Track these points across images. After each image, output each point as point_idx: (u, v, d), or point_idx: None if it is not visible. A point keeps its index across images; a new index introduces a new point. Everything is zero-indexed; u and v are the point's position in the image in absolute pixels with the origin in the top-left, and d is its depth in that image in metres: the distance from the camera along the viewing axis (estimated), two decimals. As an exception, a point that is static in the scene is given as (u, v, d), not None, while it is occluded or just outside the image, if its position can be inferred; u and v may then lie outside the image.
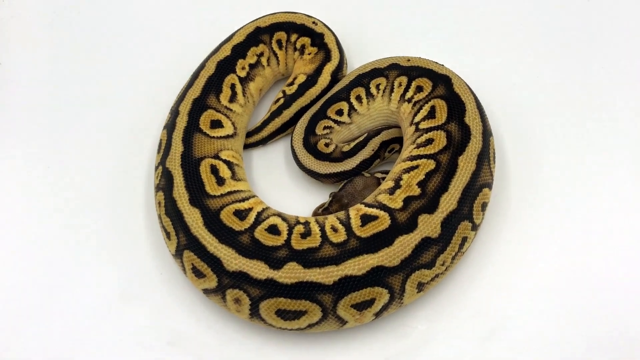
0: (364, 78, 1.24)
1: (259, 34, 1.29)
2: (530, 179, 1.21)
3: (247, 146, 1.28)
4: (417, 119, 1.16)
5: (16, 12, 1.49)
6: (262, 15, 1.33)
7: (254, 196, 1.12)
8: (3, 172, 1.26)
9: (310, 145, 1.21)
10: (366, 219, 1.03)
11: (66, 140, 1.31)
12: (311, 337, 1.06)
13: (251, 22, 1.32)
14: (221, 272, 0.99)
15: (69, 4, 1.49)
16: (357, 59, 1.34)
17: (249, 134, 1.28)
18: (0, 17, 1.48)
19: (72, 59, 1.42)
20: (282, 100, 1.27)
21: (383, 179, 1.17)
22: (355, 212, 1.06)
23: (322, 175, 1.20)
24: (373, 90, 1.23)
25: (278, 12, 1.33)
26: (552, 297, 1.09)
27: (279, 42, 1.31)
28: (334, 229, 1.03)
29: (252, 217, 1.06)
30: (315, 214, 1.15)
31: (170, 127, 1.18)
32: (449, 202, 1.03)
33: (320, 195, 1.22)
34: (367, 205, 1.06)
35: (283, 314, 0.98)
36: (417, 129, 1.15)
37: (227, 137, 1.19)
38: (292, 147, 1.22)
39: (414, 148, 1.12)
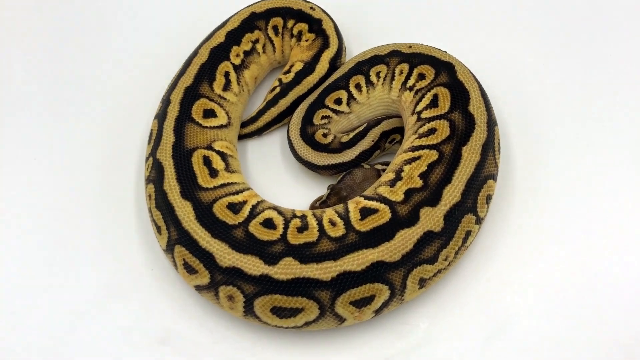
0: (364, 65, 1.21)
1: (254, 20, 1.26)
2: (536, 170, 1.18)
3: (241, 137, 1.25)
4: (419, 108, 1.13)
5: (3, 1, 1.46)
6: (257, 1, 1.30)
7: (248, 189, 1.09)
8: (-13, 164, 1.25)
9: (307, 136, 1.18)
10: (366, 212, 1.00)
11: (53, 131, 1.28)
12: (308, 335, 1.05)
13: (246, 7, 1.29)
14: (214, 267, 0.97)
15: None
16: (357, 46, 1.31)
17: (243, 124, 1.25)
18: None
19: (59, 46, 1.40)
20: (278, 89, 1.24)
21: (383, 170, 1.14)
22: (354, 205, 1.03)
23: (319, 167, 1.17)
24: (373, 78, 1.20)
25: (274, -3, 1.30)
26: (559, 293, 1.07)
27: (275, 28, 1.28)
28: (332, 223, 1.00)
29: (246, 210, 1.03)
30: (312, 207, 1.13)
31: (161, 116, 1.15)
32: (452, 194, 1.00)
33: (317, 188, 1.19)
34: (367, 198, 1.04)
35: (279, 312, 0.96)
36: (419, 119, 1.12)
37: (221, 127, 1.16)
38: (288, 137, 1.20)
39: (416, 138, 1.09)
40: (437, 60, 1.16)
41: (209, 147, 1.11)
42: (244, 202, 1.04)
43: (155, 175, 1.07)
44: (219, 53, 1.21)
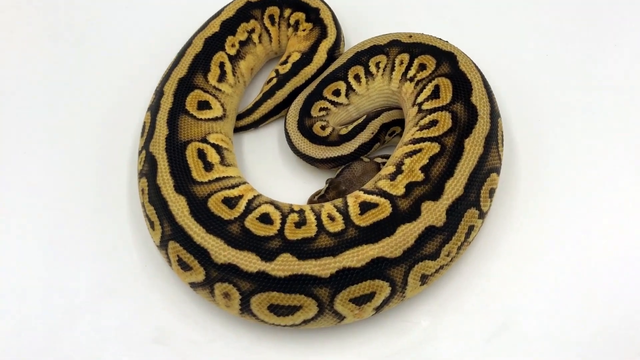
0: (363, 56, 1.18)
1: (249, 9, 1.24)
2: (540, 163, 1.16)
3: (237, 129, 1.23)
4: (420, 99, 1.11)
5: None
6: (253, -11, 1.27)
7: (244, 183, 1.07)
8: (-24, 158, 1.23)
9: (305, 128, 1.15)
10: (365, 207, 0.98)
11: (43, 124, 1.26)
12: (306, 333, 1.03)
13: (241, -4, 1.27)
14: (209, 264, 0.95)
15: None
16: (355, 36, 1.29)
17: (239, 117, 1.23)
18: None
19: (51, 39, 1.38)
20: (275, 80, 1.22)
21: (383, 164, 1.12)
22: (353, 200, 1.01)
23: (318, 160, 1.14)
24: (372, 68, 1.18)
25: (270, -14, 1.28)
26: (562, 290, 1.05)
27: (271, 17, 1.25)
28: (331, 218, 0.98)
29: (242, 205, 1.01)
30: (310, 201, 1.10)
31: (154, 108, 1.13)
32: (454, 188, 0.98)
33: (316, 182, 1.17)
34: (367, 192, 1.02)
35: (276, 309, 0.94)
36: (420, 110, 1.09)
37: (216, 119, 1.14)
38: (285, 130, 1.17)
39: (417, 130, 1.06)
40: (438, 50, 1.14)
41: (204, 140, 1.09)
42: (240, 197, 1.02)
43: (148, 169, 1.05)
44: (214, 43, 1.19)
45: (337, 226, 0.96)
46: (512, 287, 1.05)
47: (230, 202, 1.00)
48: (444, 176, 0.98)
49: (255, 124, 1.23)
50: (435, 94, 1.08)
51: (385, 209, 0.97)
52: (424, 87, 1.11)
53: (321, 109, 1.18)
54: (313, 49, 1.22)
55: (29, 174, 1.20)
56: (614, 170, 1.15)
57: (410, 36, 1.17)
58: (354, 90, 1.18)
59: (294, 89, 1.21)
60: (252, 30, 1.23)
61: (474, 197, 0.99)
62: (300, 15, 1.24)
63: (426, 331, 1.02)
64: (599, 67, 1.27)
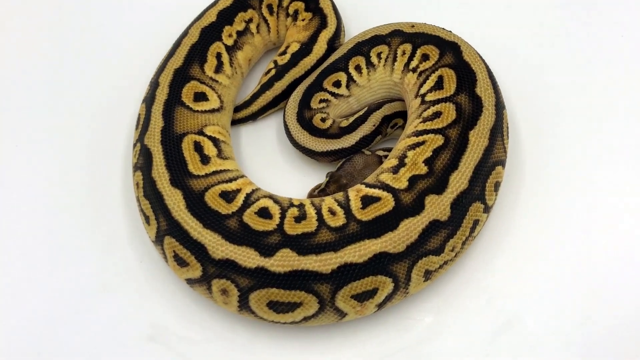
0: (364, 46, 1.16)
1: (247, -2, 1.22)
2: (545, 156, 1.14)
3: (235, 122, 1.21)
4: (423, 91, 1.09)
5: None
6: (250, -22, 1.26)
7: (242, 176, 1.05)
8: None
9: (304, 121, 1.13)
10: (367, 201, 0.96)
11: (35, 116, 1.24)
12: (306, 331, 1.01)
13: (239, -16, 1.24)
14: (206, 260, 0.93)
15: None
16: (356, 26, 1.27)
17: (237, 109, 1.21)
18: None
19: (43, 28, 1.36)
20: (273, 71, 1.20)
21: (385, 157, 1.10)
22: (355, 194, 0.99)
23: (318, 154, 1.12)
24: (374, 59, 1.15)
25: (268, -25, 1.26)
26: (569, 286, 1.03)
27: (269, 6, 1.23)
28: (332, 212, 0.96)
29: (240, 199, 0.99)
30: (310, 196, 1.09)
31: (149, 100, 1.11)
32: (459, 181, 0.96)
33: (316, 176, 1.15)
34: (369, 185, 1.00)
35: (275, 306, 0.93)
36: (423, 102, 1.07)
37: (213, 111, 1.12)
38: (284, 122, 1.15)
39: (420, 122, 1.04)
40: (441, 40, 1.11)
41: (200, 133, 1.07)
42: (238, 191, 1.00)
43: (143, 162, 1.03)
44: (211, 33, 1.17)
45: (338, 221, 0.94)
46: (517, 283, 1.03)
47: (227, 196, 0.98)
48: (448, 169, 0.96)
49: (253, 117, 1.21)
50: (438, 85, 1.06)
51: (387, 203, 0.95)
52: (427, 78, 1.09)
53: (321, 101, 1.15)
54: (312, 39, 1.20)
55: (20, 167, 1.18)
56: (622, 163, 1.13)
57: (413, 26, 1.15)
58: (354, 81, 1.16)
59: (293, 80, 1.19)
60: (250, 20, 1.21)
61: (479, 191, 0.97)
62: (299, 5, 1.22)
63: (429, 328, 1.00)
64: (605, 58, 1.25)
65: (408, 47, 1.13)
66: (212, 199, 0.97)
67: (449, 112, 1.02)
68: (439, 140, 0.99)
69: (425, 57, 1.10)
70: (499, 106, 1.04)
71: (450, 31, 1.14)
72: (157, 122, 1.06)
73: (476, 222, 0.98)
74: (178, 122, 1.06)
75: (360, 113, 1.14)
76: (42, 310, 1.04)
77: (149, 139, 1.04)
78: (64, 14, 1.36)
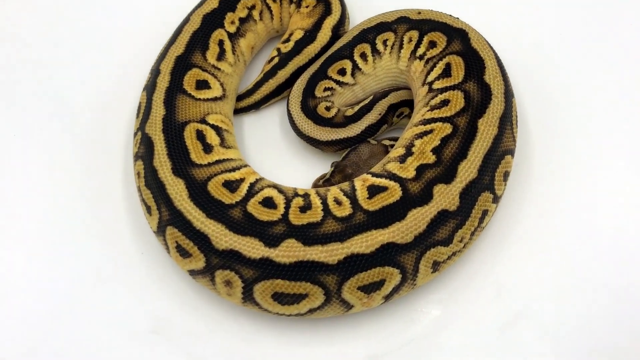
0: (369, 33, 1.14)
1: (250, -16, 1.21)
2: (554, 145, 1.13)
3: (237, 111, 1.19)
4: (430, 78, 1.07)
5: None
6: (253, -36, 1.24)
7: (245, 166, 1.04)
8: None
9: (309, 109, 1.12)
10: (374, 191, 0.95)
11: (34, 106, 1.23)
12: (312, 323, 1.00)
13: (241, -29, 1.23)
14: (209, 250, 0.92)
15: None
16: (360, 13, 1.25)
17: (239, 98, 1.19)
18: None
19: (42, 16, 1.33)
20: (276, 60, 1.18)
21: (391, 146, 1.09)
22: (361, 183, 0.97)
23: (322, 143, 1.11)
24: (380, 46, 1.13)
25: (271, -39, 1.24)
26: (581, 277, 1.01)
27: None
28: (338, 202, 0.95)
29: (244, 188, 0.97)
30: (315, 186, 1.07)
31: (150, 88, 1.09)
32: (468, 170, 0.94)
33: (320, 166, 1.14)
34: (375, 175, 0.98)
35: (280, 298, 0.91)
36: (430, 90, 1.06)
37: (215, 99, 1.10)
38: (288, 111, 1.13)
39: (428, 111, 1.03)
40: (448, 27, 1.10)
41: (203, 121, 1.05)
42: (242, 180, 0.99)
43: (145, 151, 1.02)
44: (213, 20, 1.15)
45: (345, 210, 0.93)
46: (527, 275, 1.02)
47: (231, 186, 0.97)
48: (457, 158, 0.95)
49: (256, 105, 1.19)
50: (446, 73, 1.05)
51: (395, 193, 0.93)
52: (434, 66, 1.07)
53: (326, 89, 1.14)
54: (317, 26, 1.18)
55: (19, 158, 1.17)
56: (632, 152, 1.11)
57: (419, 12, 1.13)
58: (360, 69, 1.14)
59: (297, 68, 1.17)
60: (253, 7, 1.19)
61: (488, 180, 0.96)
62: (303, -9, 1.21)
63: (437, 321, 0.99)
64: (614, 46, 1.23)
65: (415, 34, 1.11)
66: (215, 188, 0.96)
67: (457, 100, 1.00)
68: (447, 128, 0.98)
69: (432, 44, 1.09)
70: (508, 94, 1.03)
71: (458, 18, 1.12)
72: (158, 110, 1.04)
73: (485, 213, 0.97)
74: (180, 110, 1.04)
75: (366, 102, 1.12)
76: (42, 303, 1.03)
77: (150, 127, 1.03)
78: (65, 3, 1.34)
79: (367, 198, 0.93)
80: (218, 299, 1.01)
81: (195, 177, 0.97)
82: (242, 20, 1.18)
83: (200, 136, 1.02)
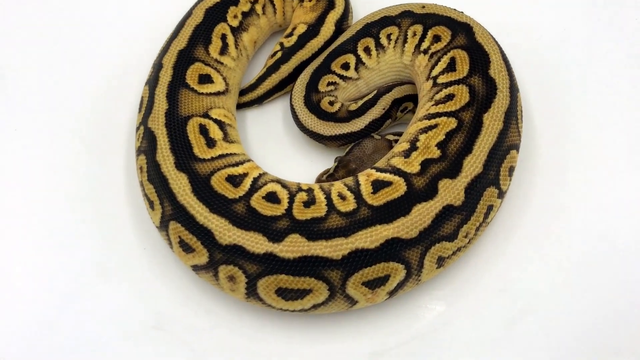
0: (373, 27, 1.14)
1: (252, -22, 1.20)
2: (559, 140, 1.12)
3: (240, 106, 1.18)
4: (434, 73, 1.06)
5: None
6: (256, -42, 1.23)
7: (249, 160, 1.03)
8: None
9: (312, 104, 1.11)
10: (378, 185, 0.94)
11: (35, 100, 1.22)
12: (316, 319, 0.99)
13: (243, -36, 1.22)
14: (213, 245, 0.91)
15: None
16: (364, 7, 1.24)
17: (242, 92, 1.18)
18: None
19: (44, 10, 1.32)
20: (279, 54, 1.18)
21: (395, 141, 1.08)
22: (365, 178, 0.97)
23: (326, 138, 1.10)
24: (383, 40, 1.13)
25: (274, -45, 1.23)
26: (586, 272, 1.01)
27: None
28: (342, 197, 0.94)
29: (247, 183, 0.97)
30: (318, 181, 1.07)
31: (152, 82, 1.08)
32: (473, 165, 0.93)
33: (324, 161, 1.13)
34: (379, 170, 0.98)
35: (284, 293, 0.91)
36: (435, 84, 1.05)
37: (218, 93, 1.09)
38: (291, 106, 1.13)
39: (432, 105, 1.02)
40: (453, 21, 1.09)
41: (206, 115, 1.05)
42: (245, 175, 0.98)
43: (147, 146, 1.01)
44: (215, 14, 1.15)
45: (349, 205, 0.92)
46: (532, 270, 1.01)
47: (234, 180, 0.96)
48: (462, 153, 0.94)
49: (259, 100, 1.18)
50: (451, 67, 1.04)
51: (399, 188, 0.92)
52: (439, 60, 1.06)
53: (329, 84, 1.13)
54: (320, 20, 1.17)
55: (20, 152, 1.16)
56: (637, 146, 1.10)
57: (423, 6, 1.12)
58: (363, 63, 1.13)
59: (300, 62, 1.17)
60: (255, 1, 1.19)
61: (493, 175, 0.95)
62: (307, -15, 1.20)
63: (442, 317, 0.99)
64: (619, 41, 1.22)
65: (419, 28, 1.10)
66: (218, 183, 0.95)
67: (462, 95, 0.99)
68: (452, 123, 0.97)
69: (436, 39, 1.08)
70: (513, 89, 1.02)
71: (462, 12, 1.11)
72: (161, 104, 1.03)
73: (490, 208, 0.96)
74: (183, 104, 1.04)
75: (370, 96, 1.12)
76: (45, 298, 1.02)
77: (153, 121, 1.02)
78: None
79: (372, 193, 0.93)
80: (221, 295, 1.00)
81: (198, 171, 0.96)
82: (245, 15, 1.17)
83: (203, 130, 1.02)
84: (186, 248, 0.94)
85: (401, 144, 1.00)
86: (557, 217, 1.05)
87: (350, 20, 1.21)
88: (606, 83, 1.17)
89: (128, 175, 1.11)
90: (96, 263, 1.04)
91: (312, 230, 0.89)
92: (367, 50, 1.13)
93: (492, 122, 0.96)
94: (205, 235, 0.91)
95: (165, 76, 1.06)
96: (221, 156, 1.00)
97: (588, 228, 1.04)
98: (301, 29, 1.17)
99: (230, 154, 1.01)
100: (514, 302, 0.98)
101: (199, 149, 0.99)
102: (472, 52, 1.04)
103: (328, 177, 1.05)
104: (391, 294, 0.93)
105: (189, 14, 1.15)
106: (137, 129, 1.06)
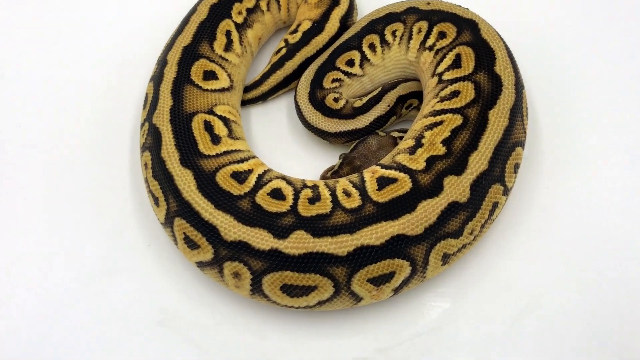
0: (378, 24, 1.13)
1: (257, -25, 1.19)
2: (564, 137, 1.12)
3: (244, 102, 1.18)
4: (440, 69, 1.06)
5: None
6: (260, -46, 1.22)
7: (253, 157, 1.03)
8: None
9: (317, 101, 1.10)
10: (383, 182, 0.93)
11: (40, 96, 1.21)
12: (320, 316, 0.99)
13: (248, -39, 1.21)
14: (218, 242, 0.91)
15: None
16: (368, 4, 1.24)
17: (246, 89, 1.18)
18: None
19: (48, 5, 1.32)
20: (284, 51, 1.17)
21: (400, 138, 1.08)
22: (370, 175, 0.96)
23: (330, 134, 1.09)
24: (388, 37, 1.12)
25: (279, -49, 1.23)
26: (591, 269, 1.00)
27: None
28: (347, 194, 0.94)
29: (252, 179, 0.96)
30: (323, 177, 1.06)
31: (157, 78, 1.08)
32: (479, 161, 0.93)
33: (328, 157, 1.13)
34: (384, 166, 0.97)
35: (289, 290, 0.90)
36: (440, 81, 1.04)
37: (223, 90, 1.09)
38: (296, 102, 1.12)
39: (437, 102, 1.02)
40: (458, 18, 1.08)
41: (211, 112, 1.04)
42: (250, 171, 0.98)
43: (152, 142, 1.00)
44: (220, 10, 1.14)
45: (354, 202, 0.91)
46: (537, 267, 1.01)
47: (239, 177, 0.96)
48: (468, 149, 0.93)
49: (264, 97, 1.18)
50: (456, 64, 1.03)
51: (404, 184, 0.92)
52: (444, 56, 1.06)
53: (334, 80, 1.12)
54: (325, 17, 1.17)
55: (24, 149, 1.15)
56: (642, 145, 1.10)
57: (429, 3, 1.12)
58: (368, 60, 1.13)
59: (305, 59, 1.16)
60: (260, -2, 1.18)
61: (498, 172, 0.94)
62: (311, -18, 1.19)
63: (447, 314, 0.98)
64: (624, 38, 1.22)
65: (424, 24, 1.09)
66: (223, 179, 0.94)
67: (468, 91, 0.99)
68: (457, 120, 0.96)
69: (442, 35, 1.07)
70: (519, 86, 1.01)
71: (467, 8, 1.11)
72: (166, 100, 1.03)
73: (495, 205, 0.95)
74: (187, 101, 1.03)
75: (374, 93, 1.11)
76: (50, 294, 1.02)
77: (158, 118, 1.02)
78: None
79: (377, 190, 0.92)
80: (225, 291, 1.00)
81: (203, 168, 0.95)
82: (250, 11, 1.16)
83: (208, 127, 1.01)
84: (191, 244, 0.93)
85: (406, 141, 0.99)
86: (562, 214, 1.04)
87: (355, 16, 1.21)
88: (611, 80, 1.17)
89: (132, 172, 1.11)
90: (101, 260, 1.04)
91: (317, 226, 0.89)
92: (372, 46, 1.12)
93: (498, 118, 0.96)
94: (210, 231, 0.90)
95: (170, 72, 1.06)
96: (226, 152, 0.99)
97: (593, 225, 1.03)
98: (306, 25, 1.17)
99: (235, 151, 1.01)
100: (518, 299, 0.98)
101: (204, 145, 0.98)
102: (477, 48, 1.03)
103: (333, 174, 1.05)
104: (396, 290, 0.92)
105: (193, 10, 1.15)
106: (142, 125, 1.06)
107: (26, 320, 1.00)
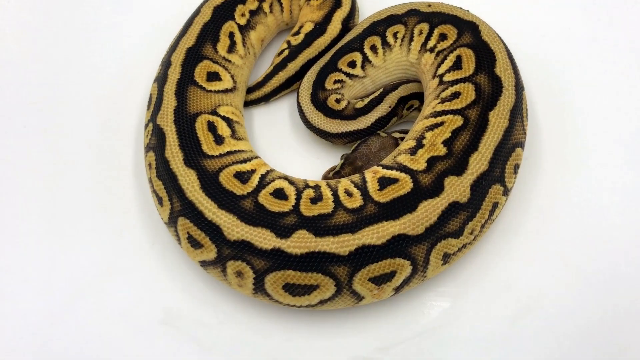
0: (380, 26, 1.14)
1: (260, -23, 1.20)
2: (563, 138, 1.12)
3: (247, 103, 1.19)
4: (440, 71, 1.06)
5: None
6: (263, -43, 1.23)
7: (256, 157, 1.04)
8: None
9: (319, 102, 1.11)
10: (385, 182, 0.94)
11: (44, 96, 1.22)
12: (322, 314, 0.99)
13: (251, -37, 1.22)
14: (221, 241, 0.91)
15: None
16: (370, 6, 1.24)
17: (249, 90, 1.18)
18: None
19: (52, 7, 1.33)
20: (286, 52, 1.18)
21: (401, 139, 1.08)
22: (372, 175, 0.97)
23: (332, 135, 1.10)
24: (390, 39, 1.13)
25: (281, -47, 1.23)
26: (590, 269, 1.01)
27: None
28: (349, 194, 0.94)
29: (255, 179, 0.97)
30: (325, 178, 1.07)
31: (161, 79, 1.09)
32: (479, 162, 0.94)
33: (330, 158, 1.13)
34: (386, 167, 0.98)
35: (292, 289, 0.91)
36: (441, 82, 1.05)
37: (226, 91, 1.10)
38: (298, 104, 1.13)
39: (438, 103, 1.02)
40: (459, 20, 1.09)
41: (214, 113, 1.05)
42: (253, 171, 0.98)
43: (156, 142, 1.01)
44: (223, 12, 1.15)
45: (355, 202, 0.92)
46: (537, 267, 1.01)
47: (242, 177, 0.96)
48: (468, 150, 0.94)
49: (266, 98, 1.18)
50: (457, 65, 1.04)
51: (405, 185, 0.93)
52: (445, 58, 1.06)
53: (336, 82, 1.13)
54: (327, 19, 1.17)
55: (29, 149, 1.16)
56: (641, 145, 1.11)
57: (430, 5, 1.13)
58: (370, 61, 1.14)
59: (307, 60, 1.17)
60: (263, -1, 1.19)
61: (499, 173, 0.95)
62: (313, -16, 1.20)
63: (447, 313, 0.99)
64: (623, 39, 1.22)
65: (425, 26, 1.10)
66: (226, 179, 0.95)
67: (468, 93, 1.00)
68: (458, 121, 0.97)
69: (443, 37, 1.08)
70: (519, 87, 1.02)
71: (468, 10, 1.12)
72: (169, 101, 1.04)
73: (495, 205, 0.96)
74: (191, 101, 1.04)
75: (376, 94, 1.12)
76: (53, 293, 1.02)
77: (162, 118, 1.02)
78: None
79: (378, 190, 0.93)
80: (228, 291, 1.00)
81: (206, 168, 0.96)
82: (253, 13, 1.17)
83: (212, 127, 1.02)
84: (194, 244, 0.94)
85: (407, 142, 1.00)
86: (561, 214, 1.04)
87: (357, 18, 1.21)
88: (610, 81, 1.17)
89: (136, 172, 1.11)
90: (105, 259, 1.05)
91: (319, 226, 0.89)
92: (373, 48, 1.13)
93: (498, 119, 0.97)
94: (213, 231, 0.91)
95: (174, 74, 1.07)
96: (229, 153, 1.00)
97: (592, 225, 1.04)
98: (308, 27, 1.17)
99: (238, 151, 1.01)
100: (518, 298, 0.98)
101: (208, 145, 0.99)
102: (478, 50, 1.04)
103: (335, 174, 1.05)
104: (397, 290, 0.93)
105: (197, 12, 1.15)
106: (146, 126, 1.06)
107: (30, 318, 1.00)
